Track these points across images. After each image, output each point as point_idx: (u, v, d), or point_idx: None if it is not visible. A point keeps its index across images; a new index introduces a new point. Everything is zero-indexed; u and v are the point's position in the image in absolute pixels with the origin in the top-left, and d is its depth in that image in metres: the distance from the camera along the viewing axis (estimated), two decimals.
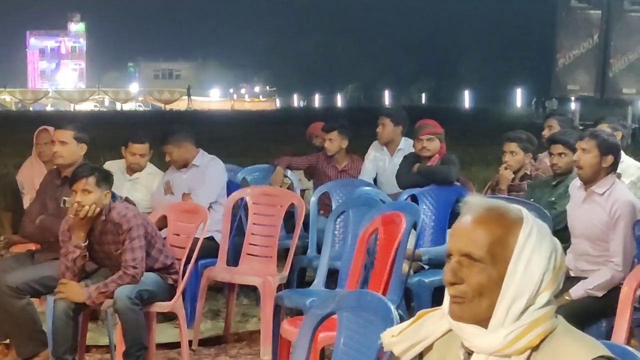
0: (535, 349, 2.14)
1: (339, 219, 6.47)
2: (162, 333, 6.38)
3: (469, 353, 2.21)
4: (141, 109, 63.01)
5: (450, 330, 2.26)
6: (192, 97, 58.95)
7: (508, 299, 2.13)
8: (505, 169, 6.95)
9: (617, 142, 5.47)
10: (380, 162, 7.88)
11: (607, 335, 4.86)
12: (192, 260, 5.87)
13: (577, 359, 2.09)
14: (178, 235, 6.15)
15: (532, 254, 2.14)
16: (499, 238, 2.14)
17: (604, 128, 7.11)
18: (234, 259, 6.79)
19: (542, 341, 2.14)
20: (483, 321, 2.16)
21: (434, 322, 2.32)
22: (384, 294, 4.97)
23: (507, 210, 2.19)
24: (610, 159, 5.31)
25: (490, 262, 2.14)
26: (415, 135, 7.42)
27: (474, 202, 2.21)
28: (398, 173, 7.44)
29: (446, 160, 7.31)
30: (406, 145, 7.82)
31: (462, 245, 2.17)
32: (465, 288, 2.16)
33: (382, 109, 8.12)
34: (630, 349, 2.64)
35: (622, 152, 7.48)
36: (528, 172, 6.97)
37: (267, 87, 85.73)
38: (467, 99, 57.86)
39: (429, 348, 2.33)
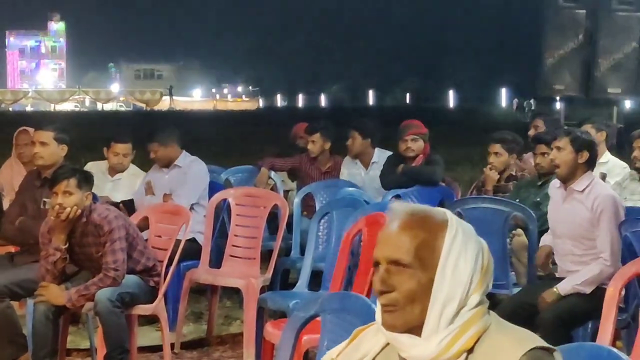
0: (470, 350, 2.12)
1: (322, 220, 6.44)
2: (144, 336, 6.33)
3: None
4: (122, 109, 62.84)
5: (387, 345, 2.23)
6: (174, 97, 58.90)
7: (439, 303, 2.12)
8: (490, 169, 6.94)
9: (591, 138, 5.48)
10: (357, 177, 7.81)
11: (593, 336, 4.85)
12: (174, 262, 5.83)
13: (511, 354, 2.07)
14: (160, 236, 6.11)
15: (459, 256, 2.13)
16: (425, 242, 2.14)
17: (588, 128, 7.14)
18: (216, 261, 6.74)
19: (476, 342, 2.13)
20: (416, 328, 2.14)
21: (371, 337, 2.28)
22: (368, 296, 4.91)
23: (431, 214, 2.18)
24: (585, 154, 5.29)
25: (419, 267, 2.13)
26: (400, 136, 7.42)
27: (397, 208, 2.20)
28: (382, 174, 7.43)
29: (431, 161, 7.33)
30: (380, 158, 7.76)
31: (389, 252, 2.15)
32: (396, 296, 2.14)
33: (352, 122, 8.04)
34: (615, 350, 2.69)
35: (608, 153, 7.54)
36: (513, 173, 6.99)
37: (250, 87, 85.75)
38: (452, 99, 58.08)
39: None
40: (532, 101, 40.20)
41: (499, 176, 6.92)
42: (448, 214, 2.20)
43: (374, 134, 7.89)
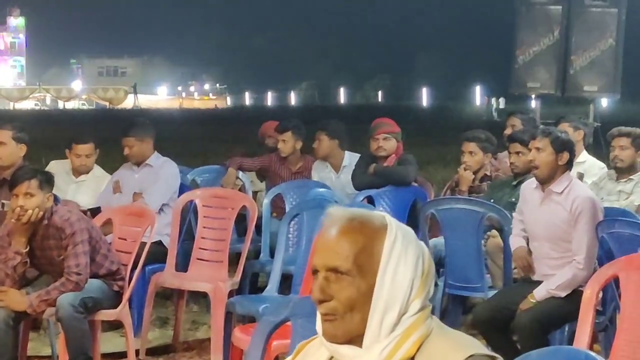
0: (412, 358, 2.11)
1: (292, 222, 6.37)
2: (108, 342, 6.26)
3: None
4: (85, 107, 62.51)
5: (331, 358, 2.21)
6: (138, 95, 58.72)
7: (380, 310, 2.10)
8: (465, 169, 6.93)
9: (570, 138, 5.51)
10: (328, 181, 7.73)
11: (570, 340, 4.85)
12: (139, 266, 5.82)
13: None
14: (124, 239, 6.06)
15: (398, 262, 2.12)
16: (363, 248, 2.11)
17: (565, 127, 7.15)
18: (183, 264, 6.67)
19: (418, 349, 2.11)
20: (357, 338, 2.12)
21: (315, 352, 2.25)
22: None
23: (370, 219, 2.16)
24: (565, 156, 5.32)
25: (358, 274, 2.10)
26: (371, 135, 7.42)
27: (335, 214, 2.18)
28: (353, 174, 7.45)
29: (403, 161, 7.33)
30: (351, 161, 7.72)
31: (327, 259, 2.13)
32: (335, 304, 2.12)
33: (319, 123, 7.96)
34: (593, 354, 2.68)
35: (585, 152, 7.56)
36: (488, 173, 6.98)
37: (218, 85, 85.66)
38: (424, 97, 58.33)
39: None
40: (500, 99, 40.67)
41: (473, 176, 6.90)
42: (387, 218, 2.17)
43: (341, 135, 7.82)
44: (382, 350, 2.09)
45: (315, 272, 2.15)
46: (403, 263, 2.11)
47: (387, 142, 7.33)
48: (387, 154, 7.32)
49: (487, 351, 2.11)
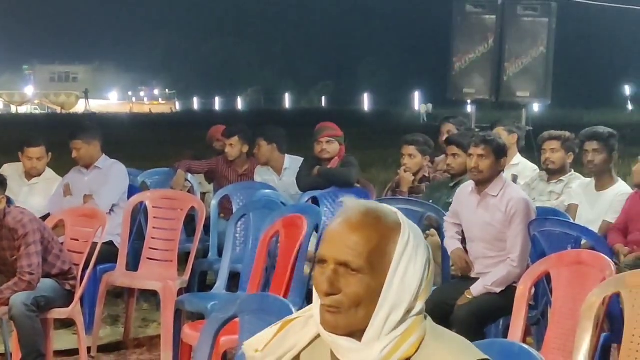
0: (409, 358, 2.05)
1: (240, 222, 6.47)
2: (60, 340, 6.26)
3: None
4: (37, 112, 61.60)
5: (317, 338, 2.15)
6: (89, 100, 57.97)
7: (386, 309, 2.04)
8: (405, 171, 7.05)
9: (505, 143, 5.66)
10: (271, 184, 7.79)
11: (505, 333, 4.96)
12: (91, 266, 5.83)
13: None
14: (76, 240, 6.07)
15: (409, 262, 2.05)
16: (377, 246, 2.04)
17: (501, 131, 7.29)
18: (133, 264, 6.72)
19: (417, 350, 2.06)
20: (358, 332, 2.06)
21: (298, 330, 2.18)
22: (285, 296, 4.98)
23: (385, 215, 2.08)
24: (504, 161, 5.52)
25: (369, 272, 2.03)
26: (315, 138, 7.49)
27: (350, 206, 2.09)
28: (298, 176, 7.49)
29: (346, 163, 7.40)
30: (291, 164, 7.80)
31: (338, 253, 2.04)
32: (341, 298, 2.04)
33: (258, 129, 8.07)
34: (526, 346, 2.76)
35: (519, 155, 7.71)
36: (426, 175, 7.09)
37: (167, 90, 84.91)
38: (366, 102, 58.43)
39: (295, 358, 2.19)
40: (429, 105, 41.23)
41: (413, 178, 7.02)
42: (399, 215, 2.10)
43: (279, 139, 7.88)
44: (383, 348, 2.03)
45: (322, 261, 2.07)
46: (413, 264, 2.05)
47: (331, 145, 7.43)
48: (330, 156, 7.41)
49: (484, 355, 2.05)
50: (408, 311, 2.05)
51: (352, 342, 2.06)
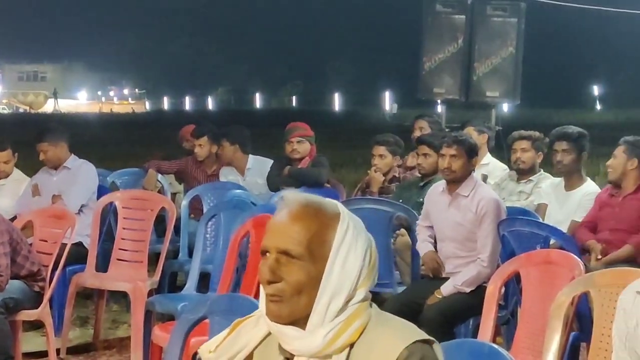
0: (353, 344, 2.11)
1: (210, 223, 6.45)
2: (29, 342, 6.24)
3: (289, 358, 2.17)
4: (5, 111, 61.22)
5: (268, 335, 2.22)
6: (58, 100, 57.69)
7: (327, 296, 2.10)
8: (375, 171, 7.07)
9: (476, 143, 5.70)
10: None
11: (475, 333, 4.97)
12: (60, 267, 5.80)
13: (392, 347, 2.07)
14: (45, 241, 6.05)
15: (349, 251, 2.12)
16: (316, 234, 2.11)
17: (471, 131, 7.32)
18: (103, 265, 6.69)
19: (359, 335, 2.11)
20: (301, 320, 2.12)
21: (250, 329, 2.25)
22: (256, 297, 4.94)
23: (324, 206, 2.15)
24: (475, 161, 5.56)
25: (309, 259, 2.10)
26: (286, 138, 7.50)
27: (290, 198, 2.17)
28: (269, 175, 7.50)
29: (316, 163, 7.43)
30: (254, 164, 7.83)
31: (279, 242, 2.12)
32: (283, 286, 2.11)
33: (222, 130, 8.07)
34: (496, 346, 2.79)
35: (489, 154, 7.74)
36: (396, 175, 7.11)
37: (137, 90, 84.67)
38: (336, 102, 58.59)
39: (249, 357, 2.25)
40: (394, 105, 41.47)
41: (383, 178, 7.04)
42: (340, 206, 2.17)
43: (242, 140, 7.89)
44: (326, 334, 2.09)
45: (264, 252, 2.14)
46: (353, 252, 2.11)
47: (301, 145, 7.45)
48: (301, 156, 7.43)
49: (427, 336, 2.10)
50: (350, 298, 2.11)
51: (297, 331, 2.12)
